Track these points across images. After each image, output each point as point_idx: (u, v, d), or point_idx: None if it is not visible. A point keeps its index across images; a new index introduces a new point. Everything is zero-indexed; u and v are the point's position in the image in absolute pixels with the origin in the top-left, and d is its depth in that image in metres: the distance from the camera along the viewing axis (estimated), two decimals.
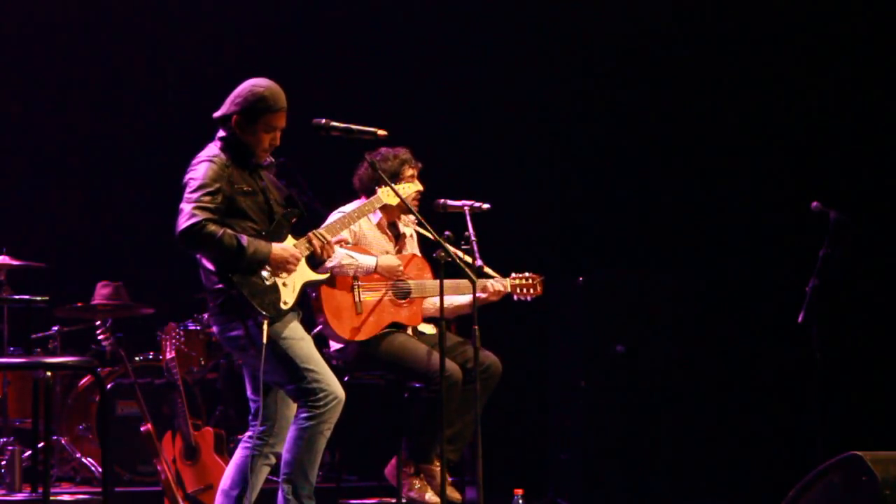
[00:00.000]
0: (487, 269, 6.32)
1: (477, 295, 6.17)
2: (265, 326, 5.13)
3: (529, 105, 8.92)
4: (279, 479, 5.29)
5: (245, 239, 5.12)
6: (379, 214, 6.31)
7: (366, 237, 6.29)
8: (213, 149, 5.27)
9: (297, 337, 5.24)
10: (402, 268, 6.19)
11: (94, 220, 8.70)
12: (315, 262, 5.44)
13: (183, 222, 5.08)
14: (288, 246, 5.27)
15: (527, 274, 6.43)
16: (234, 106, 5.26)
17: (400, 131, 5.73)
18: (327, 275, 5.49)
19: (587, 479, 7.67)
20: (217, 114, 5.31)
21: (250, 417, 5.36)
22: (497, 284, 6.33)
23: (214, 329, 5.34)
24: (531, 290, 6.42)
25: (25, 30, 8.64)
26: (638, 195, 8.82)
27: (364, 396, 6.94)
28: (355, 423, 7.53)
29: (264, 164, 5.40)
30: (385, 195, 5.84)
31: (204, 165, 5.19)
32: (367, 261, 6.12)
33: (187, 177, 5.20)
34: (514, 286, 6.39)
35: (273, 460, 5.34)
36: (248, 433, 5.34)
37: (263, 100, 5.25)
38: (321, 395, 5.20)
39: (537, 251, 8.65)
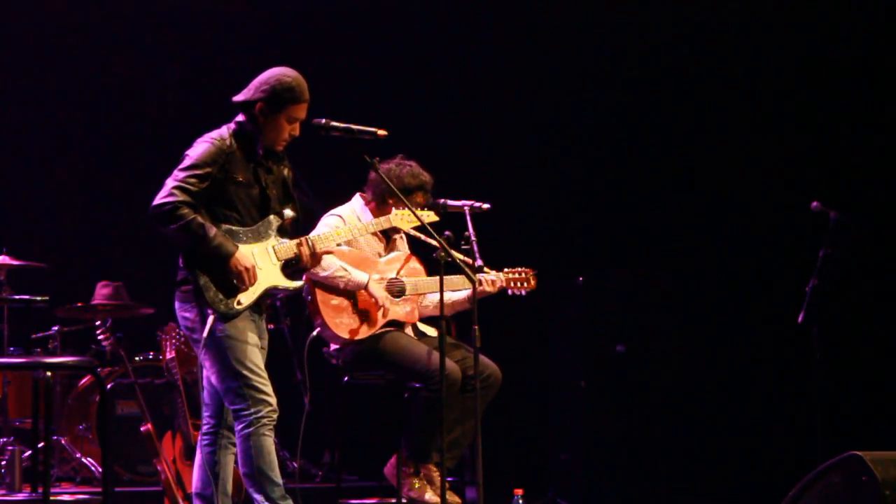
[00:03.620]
0: (472, 261, 6.29)
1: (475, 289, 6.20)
2: (210, 320, 5.14)
3: (529, 105, 8.91)
4: (250, 491, 5.27)
5: (212, 231, 5.12)
6: (369, 216, 6.26)
7: (356, 239, 6.28)
8: (223, 130, 5.29)
9: (242, 339, 5.20)
10: (388, 303, 6.16)
11: (94, 220, 8.70)
12: (294, 268, 5.41)
13: (159, 198, 5.13)
14: (260, 250, 5.24)
15: (519, 269, 6.41)
16: (259, 93, 5.25)
17: (400, 131, 5.72)
18: (299, 283, 5.45)
19: (587, 479, 7.67)
20: (239, 98, 5.31)
21: (203, 409, 5.37)
22: (490, 276, 6.30)
23: (175, 303, 5.32)
24: (524, 284, 6.40)
25: (25, 30, 8.64)
26: (637, 195, 8.82)
27: (364, 396, 6.95)
28: (355, 423, 7.56)
29: (279, 156, 5.38)
30: (397, 219, 5.82)
31: (203, 145, 5.21)
32: (359, 277, 6.11)
33: (186, 151, 5.23)
34: (507, 279, 6.37)
35: (234, 448, 5.32)
36: (203, 429, 5.35)
37: (290, 90, 5.25)
38: (250, 401, 5.16)
39: (537, 251, 8.65)
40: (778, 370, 8.35)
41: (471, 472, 6.48)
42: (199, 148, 5.21)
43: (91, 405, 7.71)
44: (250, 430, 5.18)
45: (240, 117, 5.31)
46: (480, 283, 6.26)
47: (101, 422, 7.52)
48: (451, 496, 5.95)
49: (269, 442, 5.21)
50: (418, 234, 5.96)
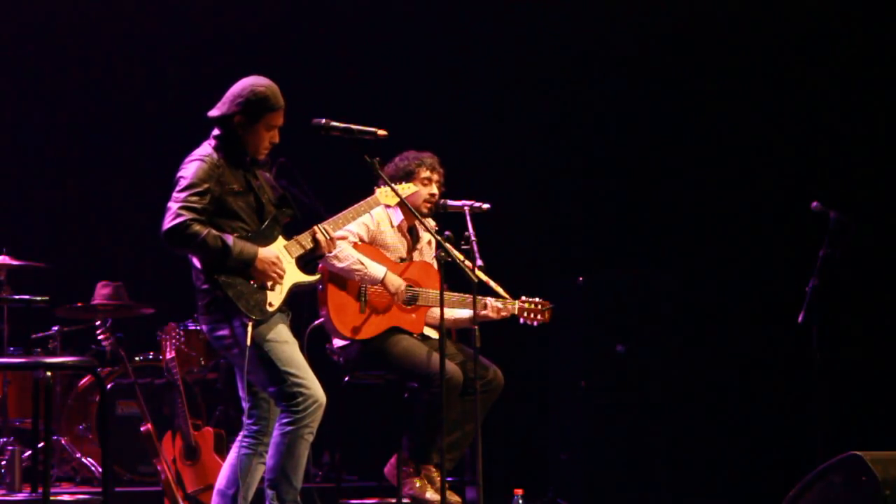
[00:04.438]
0: (497, 287, 6.28)
1: (477, 311, 6.18)
2: (249, 328, 5.15)
3: (529, 105, 8.92)
4: (265, 485, 5.28)
5: (230, 239, 5.13)
6: (401, 216, 6.29)
7: (383, 236, 6.29)
8: (206, 148, 5.30)
9: (281, 340, 5.23)
10: (404, 294, 6.17)
11: (94, 220, 8.70)
12: (309, 258, 5.43)
13: (168, 222, 5.11)
14: (275, 250, 5.27)
15: (537, 299, 6.39)
16: (235, 106, 5.27)
17: (400, 131, 5.72)
18: (317, 277, 5.47)
19: (587, 479, 7.67)
20: (214, 113, 5.32)
21: (244, 417, 5.36)
22: (497, 303, 6.31)
23: (203, 328, 5.35)
24: (538, 317, 6.37)
25: (25, 30, 8.64)
26: (638, 195, 8.82)
27: (364, 396, 6.94)
28: (355, 423, 7.57)
29: (261, 162, 5.40)
30: (383, 195, 5.82)
31: (194, 164, 5.21)
32: (376, 271, 6.11)
33: (178, 175, 5.23)
34: (521, 309, 6.36)
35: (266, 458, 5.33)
36: (243, 433, 5.35)
37: (266, 99, 5.27)
38: (300, 398, 5.18)
39: (537, 251, 8.67)
40: (778, 370, 8.34)
41: (471, 472, 6.48)
42: (192, 167, 5.21)
43: (91, 405, 7.71)
44: (292, 427, 5.19)
45: (216, 131, 5.33)
46: (485, 307, 6.27)
47: (101, 422, 7.52)
48: (450, 495, 5.96)
49: (305, 446, 5.22)
50: (439, 238, 5.92)
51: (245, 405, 5.34)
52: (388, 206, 6.10)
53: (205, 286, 5.21)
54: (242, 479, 5.26)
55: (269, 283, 5.22)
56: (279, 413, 5.26)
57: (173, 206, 5.13)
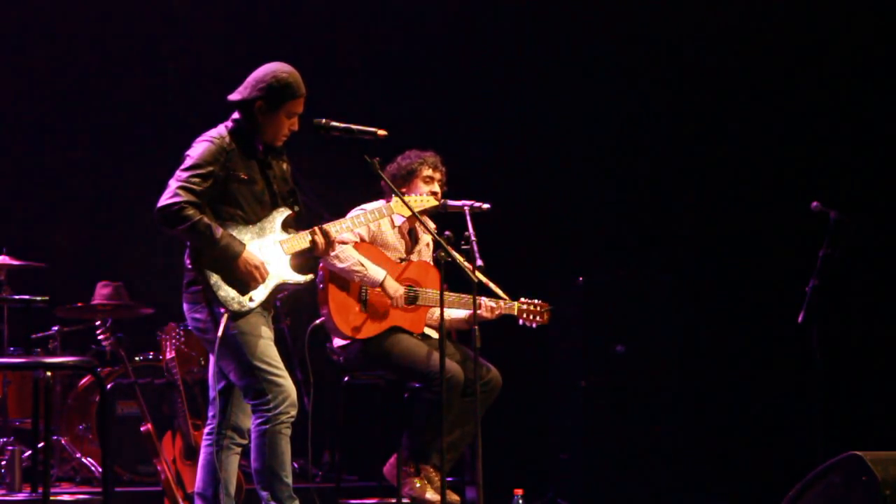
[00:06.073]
0: (496, 288, 6.28)
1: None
2: (223, 319, 5.14)
3: (529, 105, 8.91)
4: (256, 487, 5.28)
5: (219, 231, 5.13)
6: (402, 218, 6.29)
7: (383, 236, 6.29)
8: (220, 129, 5.29)
9: (256, 334, 5.20)
10: (403, 299, 6.18)
11: (94, 220, 8.70)
12: (307, 257, 5.43)
13: (164, 199, 5.12)
14: (269, 245, 5.25)
15: (536, 301, 6.40)
16: (257, 91, 5.26)
17: (401, 131, 5.73)
18: (308, 278, 5.45)
19: (587, 479, 7.67)
20: (235, 97, 5.31)
21: (209, 408, 5.37)
22: (491, 303, 6.32)
23: (184, 305, 5.33)
24: (537, 318, 6.38)
25: (25, 30, 8.64)
26: (638, 195, 8.82)
27: (364, 396, 6.95)
28: (355, 423, 7.56)
29: (279, 150, 5.37)
30: (397, 206, 5.83)
31: (203, 145, 5.22)
32: (376, 274, 6.12)
33: (186, 152, 5.23)
34: (520, 310, 6.36)
35: (238, 449, 5.34)
36: (206, 430, 5.37)
37: (288, 86, 5.26)
38: (269, 396, 5.16)
39: (537, 251, 8.66)
40: (778, 370, 8.34)
41: (471, 472, 6.48)
42: (200, 147, 5.21)
43: (91, 405, 7.70)
44: (267, 426, 5.18)
45: (236, 115, 5.32)
46: (479, 307, 6.27)
47: (101, 422, 7.52)
48: (450, 495, 5.96)
49: (285, 441, 5.22)
50: (440, 238, 5.93)
51: (210, 393, 5.35)
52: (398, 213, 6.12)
53: (190, 267, 5.22)
54: (215, 475, 5.25)
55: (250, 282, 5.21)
56: (245, 406, 5.25)
57: (173, 184, 5.14)
